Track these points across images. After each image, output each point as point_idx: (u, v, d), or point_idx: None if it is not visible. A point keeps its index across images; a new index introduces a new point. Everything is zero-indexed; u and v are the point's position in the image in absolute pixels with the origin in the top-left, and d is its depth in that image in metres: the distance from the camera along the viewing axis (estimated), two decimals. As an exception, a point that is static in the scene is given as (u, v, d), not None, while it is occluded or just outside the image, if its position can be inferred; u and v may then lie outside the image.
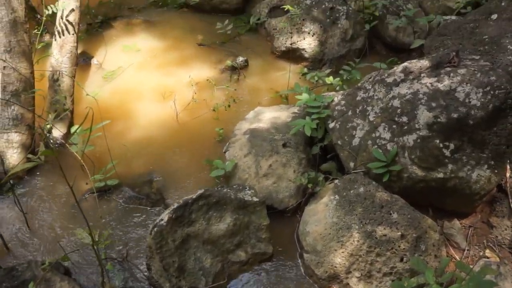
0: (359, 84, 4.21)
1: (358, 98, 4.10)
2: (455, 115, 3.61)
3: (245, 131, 4.43)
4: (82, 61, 5.67)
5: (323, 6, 5.94)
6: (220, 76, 5.66)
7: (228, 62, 5.67)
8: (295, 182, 4.03)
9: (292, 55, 5.68)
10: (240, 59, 5.73)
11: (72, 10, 4.77)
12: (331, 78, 4.88)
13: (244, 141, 4.32)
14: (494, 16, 4.77)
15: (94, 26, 6.38)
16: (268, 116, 4.57)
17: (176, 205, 3.62)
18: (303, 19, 5.84)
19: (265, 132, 4.37)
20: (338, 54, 5.73)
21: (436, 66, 3.89)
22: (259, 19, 6.36)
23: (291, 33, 5.73)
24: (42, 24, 5.54)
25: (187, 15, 6.84)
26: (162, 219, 3.57)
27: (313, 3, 5.98)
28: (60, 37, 4.78)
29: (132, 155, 4.67)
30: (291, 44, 5.73)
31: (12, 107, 4.23)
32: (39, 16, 6.07)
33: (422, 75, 3.87)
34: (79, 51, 5.16)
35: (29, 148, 4.40)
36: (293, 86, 4.70)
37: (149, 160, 4.63)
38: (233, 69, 5.65)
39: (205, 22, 6.63)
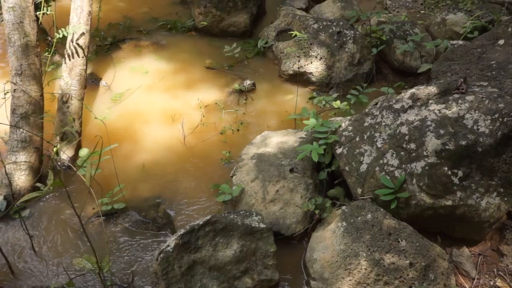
0: (366, 110, 4.19)
1: (366, 124, 4.07)
2: (463, 143, 3.57)
3: (252, 155, 4.40)
4: (91, 82, 5.68)
5: (330, 30, 5.97)
6: (227, 99, 5.66)
7: (236, 86, 5.67)
8: (302, 208, 3.98)
9: (299, 78, 5.69)
10: (248, 82, 5.72)
11: (82, 33, 4.80)
12: (338, 102, 4.87)
13: (251, 165, 4.29)
14: (501, 42, 4.77)
15: (103, 48, 6.41)
16: (275, 140, 4.55)
17: (182, 231, 3.58)
18: (311, 43, 5.86)
19: (272, 157, 4.34)
20: (345, 78, 5.73)
21: (444, 92, 3.87)
22: (266, 42, 6.39)
23: (298, 57, 5.75)
24: (53, 46, 5.58)
25: (195, 38, 6.90)
26: (168, 245, 3.53)
27: (321, 27, 6.01)
28: (70, 60, 4.81)
29: (139, 178, 4.64)
30: (298, 68, 5.74)
31: (21, 129, 4.23)
32: (50, 38, 6.12)
33: (430, 101, 3.85)
34: (88, 72, 5.18)
35: (37, 171, 4.40)
36: (300, 111, 4.70)
37: (155, 183, 4.60)
38: (241, 92, 5.65)
39: (213, 46, 6.69)
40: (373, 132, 3.98)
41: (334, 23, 6.07)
